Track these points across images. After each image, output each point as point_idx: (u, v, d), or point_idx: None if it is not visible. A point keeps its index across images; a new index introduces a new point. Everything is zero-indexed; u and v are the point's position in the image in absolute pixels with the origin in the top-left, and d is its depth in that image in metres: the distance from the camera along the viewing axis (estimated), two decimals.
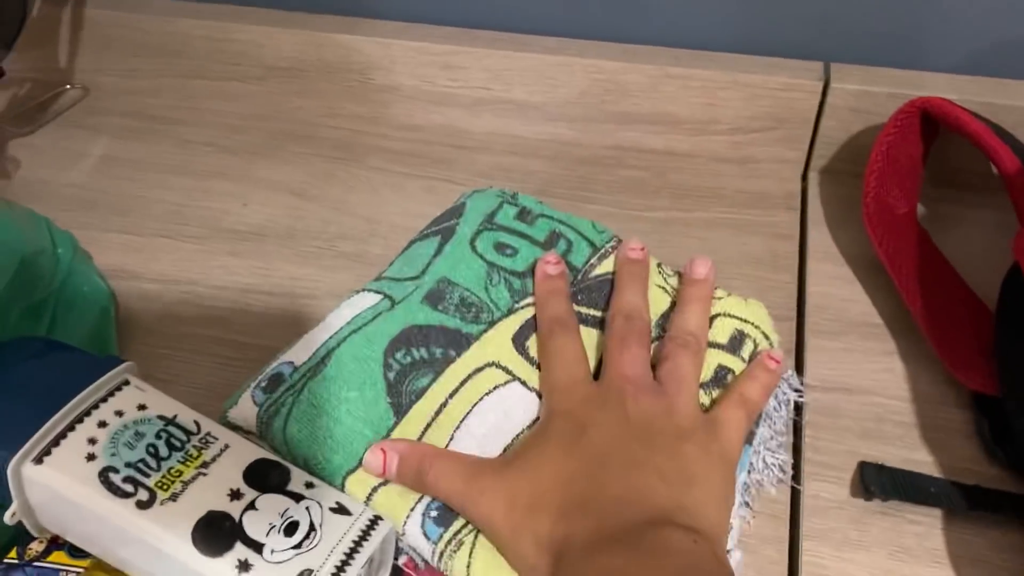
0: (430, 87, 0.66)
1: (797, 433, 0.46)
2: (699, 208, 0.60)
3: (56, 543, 0.40)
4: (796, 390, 0.45)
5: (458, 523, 0.36)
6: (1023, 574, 0.40)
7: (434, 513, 0.37)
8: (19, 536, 0.40)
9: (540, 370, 0.41)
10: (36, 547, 0.40)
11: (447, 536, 0.36)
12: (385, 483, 0.38)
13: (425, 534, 0.36)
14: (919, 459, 0.45)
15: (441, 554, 0.36)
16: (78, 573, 0.39)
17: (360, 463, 0.38)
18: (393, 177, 0.64)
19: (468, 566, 0.35)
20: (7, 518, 0.37)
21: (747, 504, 0.42)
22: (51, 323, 0.46)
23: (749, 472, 0.42)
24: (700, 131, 0.63)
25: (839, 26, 0.60)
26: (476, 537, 0.36)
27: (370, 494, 0.37)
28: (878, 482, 0.43)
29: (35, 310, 0.45)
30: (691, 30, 0.62)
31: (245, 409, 0.41)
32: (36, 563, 0.39)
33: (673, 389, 0.40)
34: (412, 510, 0.37)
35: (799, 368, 0.50)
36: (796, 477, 0.44)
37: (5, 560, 0.40)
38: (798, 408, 0.47)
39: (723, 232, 0.58)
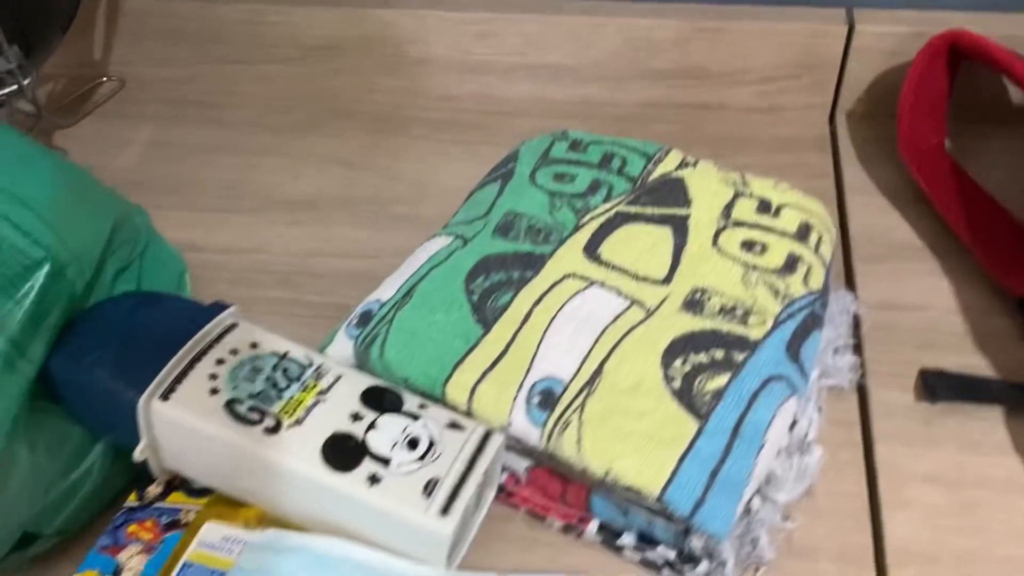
0: (465, 56, 0.68)
1: (858, 349, 0.49)
2: (735, 155, 0.62)
3: (172, 485, 0.42)
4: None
5: (562, 405, 0.38)
6: None
7: (537, 399, 0.39)
8: (138, 481, 0.42)
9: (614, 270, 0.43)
10: (154, 490, 0.42)
11: (553, 418, 0.38)
12: (482, 380, 0.40)
13: (532, 420, 0.38)
14: (975, 364, 0.48)
15: (550, 435, 0.38)
16: (197, 511, 0.40)
17: (455, 370, 0.40)
18: (436, 144, 0.66)
19: (578, 441, 0.37)
20: (136, 454, 0.38)
21: (820, 409, 0.44)
22: (138, 287, 0.48)
23: (820, 376, 0.44)
24: (730, 83, 0.65)
25: None
26: (582, 415, 0.38)
27: (470, 395, 0.39)
28: (941, 385, 0.45)
29: (123, 274, 0.47)
30: None
31: (341, 345, 0.43)
32: (156, 504, 0.41)
33: None
34: (515, 400, 0.39)
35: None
36: (862, 386, 0.47)
37: (126, 504, 0.41)
38: (856, 325, 0.49)
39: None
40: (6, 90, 0.52)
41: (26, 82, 0.51)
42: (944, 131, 0.58)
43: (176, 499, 0.41)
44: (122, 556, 0.39)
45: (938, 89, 0.56)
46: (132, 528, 0.40)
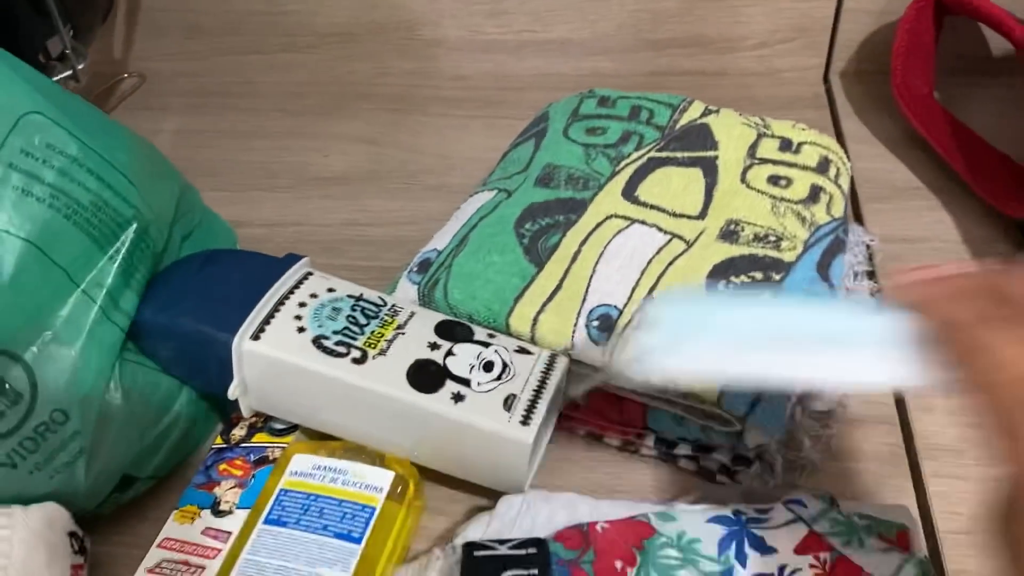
0: (475, 36, 0.71)
1: (872, 276, 0.53)
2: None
3: (255, 428, 0.45)
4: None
5: (618, 327, 0.42)
6: None
7: (596, 323, 0.42)
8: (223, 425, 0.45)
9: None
10: (238, 433, 0.45)
11: (612, 337, 0.41)
12: (543, 310, 0.43)
13: (593, 340, 0.42)
14: None
15: (611, 352, 0.41)
16: (283, 447, 0.43)
17: (516, 304, 0.43)
18: (455, 120, 0.69)
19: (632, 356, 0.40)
20: (231, 392, 0.41)
21: None
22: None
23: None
24: (729, 49, 0.69)
25: None
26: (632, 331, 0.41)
27: (533, 324, 0.43)
28: None
29: (188, 240, 0.49)
30: None
31: (405, 291, 0.46)
32: (243, 445, 0.44)
33: None
34: (575, 325, 0.42)
35: None
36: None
37: (214, 446, 0.44)
38: (869, 257, 0.53)
39: None
40: (61, 75, 0.54)
41: (80, 67, 0.53)
42: (932, 81, 0.63)
43: (261, 439, 0.44)
44: (218, 491, 0.42)
45: (926, 42, 0.61)
46: (223, 467, 0.43)
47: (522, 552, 0.38)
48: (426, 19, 0.71)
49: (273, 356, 0.40)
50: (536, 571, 0.37)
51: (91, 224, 0.39)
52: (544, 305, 0.43)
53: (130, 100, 0.75)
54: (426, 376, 0.39)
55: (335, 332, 0.41)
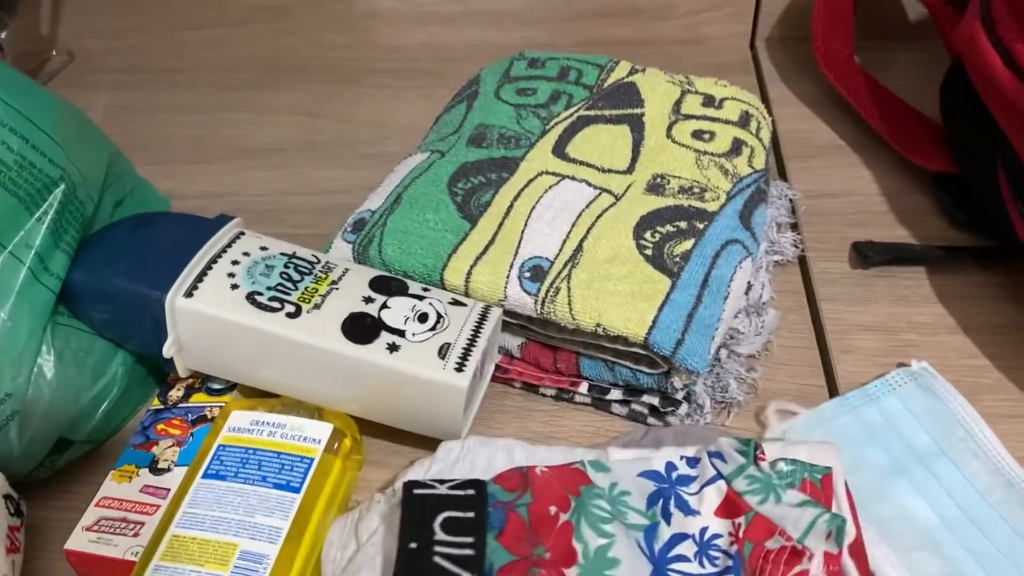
0: (410, 8, 0.72)
1: (795, 228, 0.55)
2: None
3: (193, 388, 0.45)
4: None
5: (550, 276, 0.43)
6: (990, 297, 0.50)
7: (528, 274, 0.43)
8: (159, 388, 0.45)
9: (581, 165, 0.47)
10: (175, 394, 0.45)
11: (544, 287, 0.42)
12: (476, 263, 0.44)
13: (526, 291, 0.43)
14: (900, 235, 0.54)
15: (543, 301, 0.42)
16: (221, 406, 0.44)
17: (450, 259, 0.44)
18: (391, 91, 0.70)
19: (569, 303, 0.42)
20: (165, 350, 0.41)
21: (769, 274, 0.50)
22: None
23: (767, 253, 0.50)
24: (659, 18, 0.71)
25: None
26: (570, 281, 0.42)
27: (466, 278, 0.43)
28: (872, 252, 0.52)
29: (119, 208, 0.49)
30: None
31: (340, 249, 0.47)
32: (180, 405, 0.44)
33: None
34: (508, 277, 0.43)
35: None
36: (803, 258, 0.53)
37: (151, 408, 0.44)
38: (793, 211, 0.55)
39: None
40: None
41: (2, 35, 0.53)
42: (852, 45, 0.65)
43: (199, 399, 0.44)
44: (156, 450, 0.42)
45: (844, 6, 0.63)
46: (161, 427, 0.43)
47: (461, 493, 0.38)
48: None
49: (207, 312, 0.40)
50: (473, 514, 0.37)
51: (16, 184, 0.39)
52: (477, 259, 0.44)
53: (59, 78, 0.74)
54: (361, 328, 0.40)
55: (269, 288, 0.41)
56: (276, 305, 0.40)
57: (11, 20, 0.56)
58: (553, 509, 0.38)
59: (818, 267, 0.52)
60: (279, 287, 0.41)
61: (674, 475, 0.40)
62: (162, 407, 0.44)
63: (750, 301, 0.47)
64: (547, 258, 0.44)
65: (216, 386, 0.45)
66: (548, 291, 0.43)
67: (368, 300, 0.41)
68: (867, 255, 0.51)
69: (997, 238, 0.51)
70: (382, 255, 0.45)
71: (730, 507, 0.39)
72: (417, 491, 0.38)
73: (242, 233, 0.44)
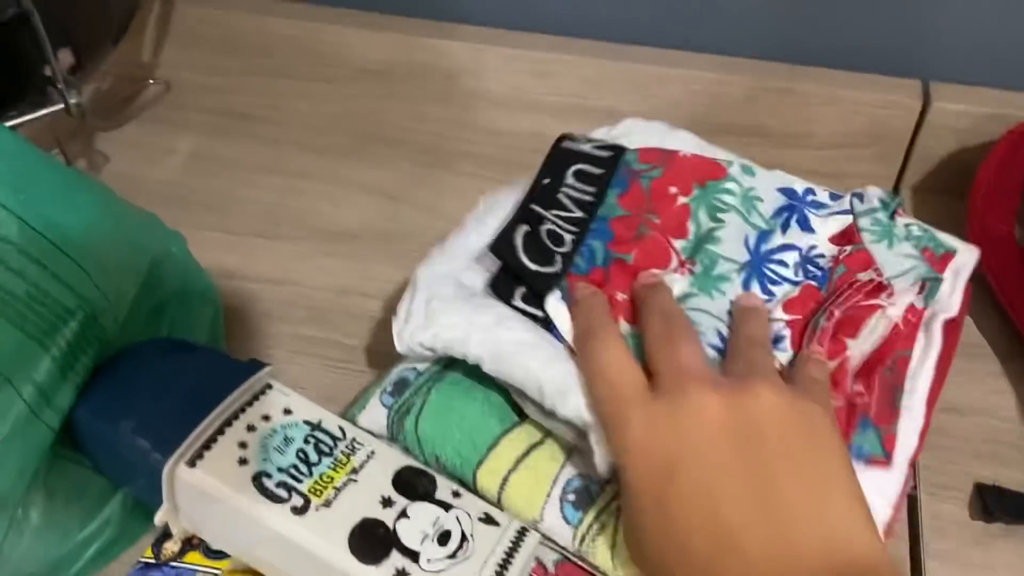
0: (519, 93, 0.66)
1: None
2: None
3: (190, 544, 0.40)
4: None
5: (598, 506, 0.37)
6: None
7: (571, 497, 0.37)
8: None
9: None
10: (171, 547, 0.40)
11: (588, 519, 0.36)
12: (516, 469, 0.38)
13: (565, 519, 0.36)
14: None
15: (583, 538, 0.36)
16: (215, 574, 0.39)
17: (488, 454, 0.38)
18: (483, 182, 0.64)
19: (612, 547, 0.35)
20: (157, 520, 0.37)
21: None
22: (171, 325, 0.46)
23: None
24: (794, 144, 0.63)
25: (939, 43, 0.60)
26: (619, 518, 0.36)
27: (502, 484, 0.37)
28: (999, 504, 0.43)
29: (158, 311, 0.45)
30: (787, 44, 0.62)
31: (374, 413, 0.41)
32: (172, 564, 0.40)
33: (749, 377, 0.35)
34: (548, 496, 0.37)
35: None
36: (912, 496, 0.45)
37: (141, 559, 0.40)
38: None
39: None
40: (52, 108, 0.50)
41: (73, 101, 0.49)
42: (1014, 220, 0.55)
43: (193, 559, 0.40)
44: None
45: (1015, 177, 0.54)
46: None
47: (600, 153, 0.45)
48: (468, 68, 0.66)
49: (208, 490, 0.36)
50: (603, 171, 0.44)
51: (24, 318, 0.35)
52: (519, 462, 0.38)
53: (152, 110, 0.71)
54: (371, 541, 0.35)
55: (280, 470, 0.36)
56: (283, 494, 0.35)
57: (85, 85, 0.52)
58: (673, 190, 0.44)
59: (929, 508, 0.44)
60: (292, 469, 0.36)
61: (809, 198, 0.45)
62: (152, 561, 0.40)
63: None
64: (597, 481, 0.37)
65: (216, 547, 0.40)
66: (592, 525, 0.36)
67: (387, 503, 0.36)
68: (990, 509, 0.43)
69: None
70: (417, 431, 0.39)
71: (845, 237, 0.43)
72: (565, 144, 0.46)
73: (270, 386, 0.39)
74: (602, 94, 0.64)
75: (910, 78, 0.60)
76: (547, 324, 0.39)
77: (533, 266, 0.40)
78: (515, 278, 0.41)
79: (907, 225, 0.44)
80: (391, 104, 0.69)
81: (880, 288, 0.41)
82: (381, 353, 0.51)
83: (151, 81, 0.72)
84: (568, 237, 0.42)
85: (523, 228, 0.41)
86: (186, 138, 0.68)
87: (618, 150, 0.46)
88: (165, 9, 0.70)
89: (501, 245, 0.41)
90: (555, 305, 0.39)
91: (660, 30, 0.64)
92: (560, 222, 0.42)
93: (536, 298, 0.40)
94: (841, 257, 0.43)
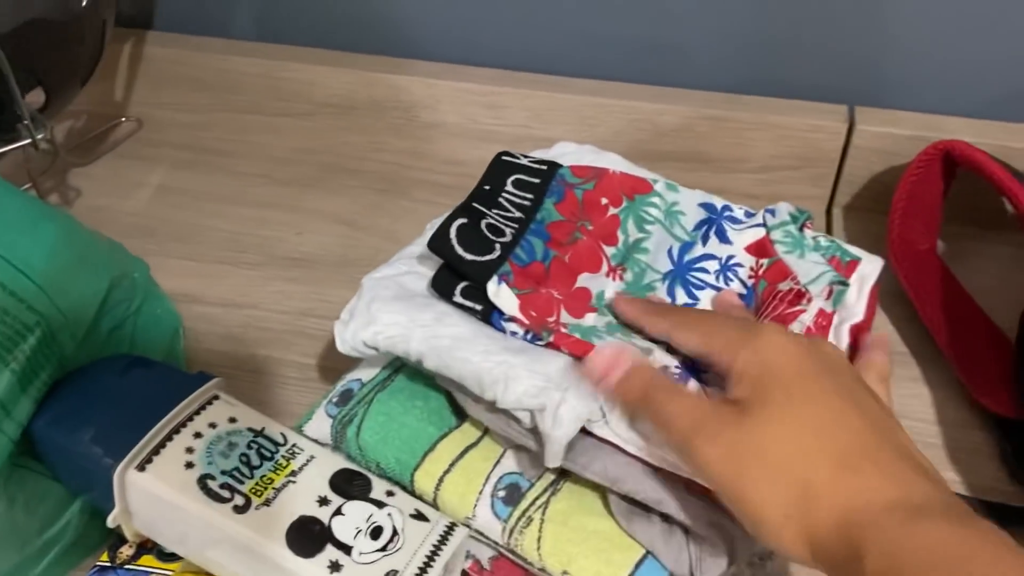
0: (473, 124, 0.69)
1: None
2: None
3: (145, 547, 0.43)
4: None
5: (526, 501, 0.39)
6: None
7: (502, 494, 0.39)
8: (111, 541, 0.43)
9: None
10: (126, 551, 0.43)
11: (516, 514, 0.39)
12: (450, 471, 0.40)
13: (496, 514, 0.39)
14: (948, 478, 0.48)
15: (511, 531, 0.39)
16: (168, 575, 0.41)
17: (425, 458, 0.41)
18: (439, 209, 0.65)
19: (539, 539, 0.38)
20: (110, 521, 0.39)
21: None
22: (131, 344, 0.49)
23: None
24: (732, 169, 0.66)
25: (863, 70, 0.64)
26: (544, 512, 0.39)
27: (437, 484, 0.40)
28: None
29: (118, 331, 0.48)
30: (722, 74, 0.66)
31: (319, 423, 0.44)
32: (127, 566, 0.42)
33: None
34: (480, 494, 0.40)
35: None
36: None
37: (98, 563, 0.42)
38: None
39: None
40: (19, 144, 0.53)
41: (39, 136, 0.52)
42: (936, 236, 0.59)
43: (147, 562, 0.42)
44: None
45: (932, 195, 0.57)
46: None
47: (536, 165, 0.49)
48: (424, 103, 0.69)
49: (155, 492, 0.38)
50: (539, 180, 0.48)
51: None
52: (453, 464, 0.41)
53: (123, 146, 0.74)
54: (306, 537, 0.37)
55: (223, 472, 0.39)
56: (226, 495, 0.38)
57: (52, 123, 0.56)
58: (604, 200, 0.48)
59: None
60: (235, 472, 0.39)
61: (727, 213, 0.49)
62: (107, 565, 0.42)
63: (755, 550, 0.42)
64: (528, 477, 0.40)
65: (168, 550, 0.42)
66: (520, 519, 0.39)
67: (323, 502, 0.38)
68: None
69: None
70: (359, 439, 0.42)
71: (760, 248, 0.47)
72: (504, 157, 0.50)
73: (216, 397, 0.42)
74: (549, 124, 0.68)
75: (837, 103, 0.64)
76: (487, 317, 0.42)
77: (469, 256, 0.43)
78: (455, 274, 0.43)
79: (815, 237, 0.48)
80: (351, 136, 0.72)
81: (800, 295, 0.44)
82: (336, 371, 0.54)
83: (124, 119, 0.76)
84: (508, 231, 0.45)
85: (460, 221, 0.44)
86: (156, 172, 0.71)
87: (553, 165, 0.49)
88: (137, 50, 0.74)
89: (436, 239, 0.43)
90: (496, 289, 0.42)
91: (601, 63, 0.67)
92: (500, 219, 0.45)
93: (477, 290, 0.42)
94: (761, 272, 0.47)
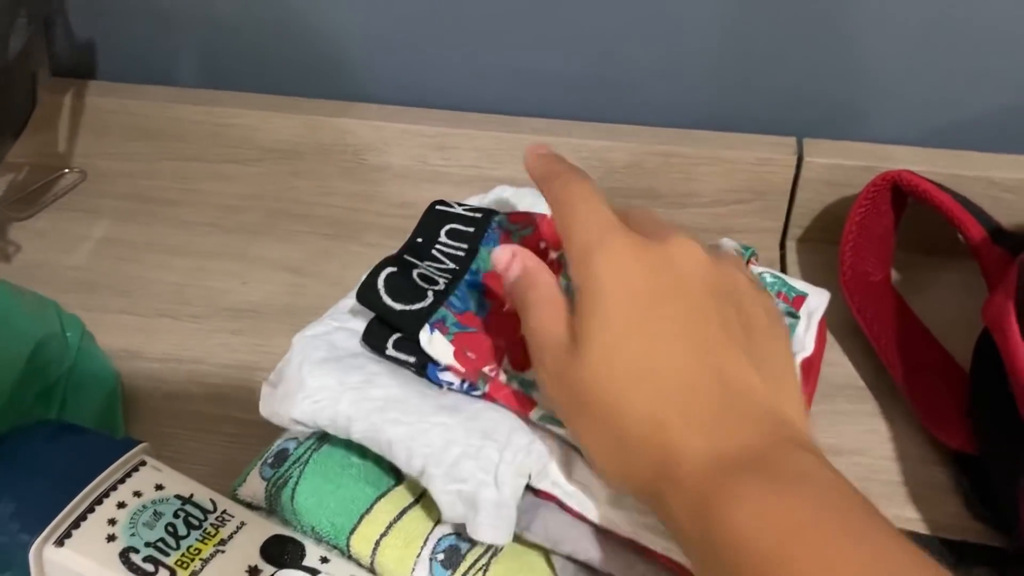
0: (422, 166, 0.68)
1: None
2: None
3: None
4: None
5: (466, 564, 0.37)
6: None
7: (441, 556, 0.38)
8: None
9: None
10: None
11: None
12: (387, 533, 0.39)
13: None
14: (907, 516, 0.47)
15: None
16: None
17: (361, 521, 0.39)
18: (388, 251, 0.65)
19: None
20: None
21: None
22: (61, 406, 0.47)
23: None
24: (683, 204, 0.65)
25: (811, 103, 0.63)
26: (486, 573, 0.37)
27: (374, 548, 0.38)
28: None
29: (46, 393, 0.46)
30: (670, 110, 0.65)
31: (254, 485, 0.42)
32: None
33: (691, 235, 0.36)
34: (418, 557, 0.38)
35: None
36: None
37: None
38: None
39: None
40: None
41: None
42: (889, 266, 0.58)
43: None
44: None
45: (883, 226, 0.57)
46: None
47: (471, 214, 0.48)
48: (372, 146, 0.68)
49: (75, 568, 0.36)
50: (473, 229, 0.47)
51: None
52: (391, 525, 0.39)
53: (66, 199, 0.72)
54: None
55: (148, 544, 0.37)
56: (149, 568, 0.36)
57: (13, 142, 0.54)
58: (543, 244, 0.46)
59: None
60: (160, 543, 0.37)
61: None
62: None
63: None
64: (468, 537, 0.38)
65: None
66: None
67: (254, 572, 0.37)
68: None
69: (1015, 543, 0.44)
70: (293, 503, 0.40)
71: None
72: (438, 207, 0.49)
73: (144, 463, 0.40)
74: (499, 164, 0.67)
75: (786, 136, 0.63)
76: (423, 369, 0.41)
77: (399, 305, 0.41)
78: (386, 326, 0.42)
79: (760, 273, 0.47)
80: (299, 181, 0.71)
81: None
82: (280, 427, 0.52)
83: (67, 170, 0.74)
84: (442, 281, 0.44)
85: (388, 270, 0.43)
86: (99, 225, 0.69)
87: (489, 212, 0.48)
88: (78, 100, 0.72)
89: (364, 290, 0.42)
90: (428, 338, 0.40)
91: (549, 102, 0.67)
92: (433, 271, 0.44)
93: (410, 342, 0.41)
94: None
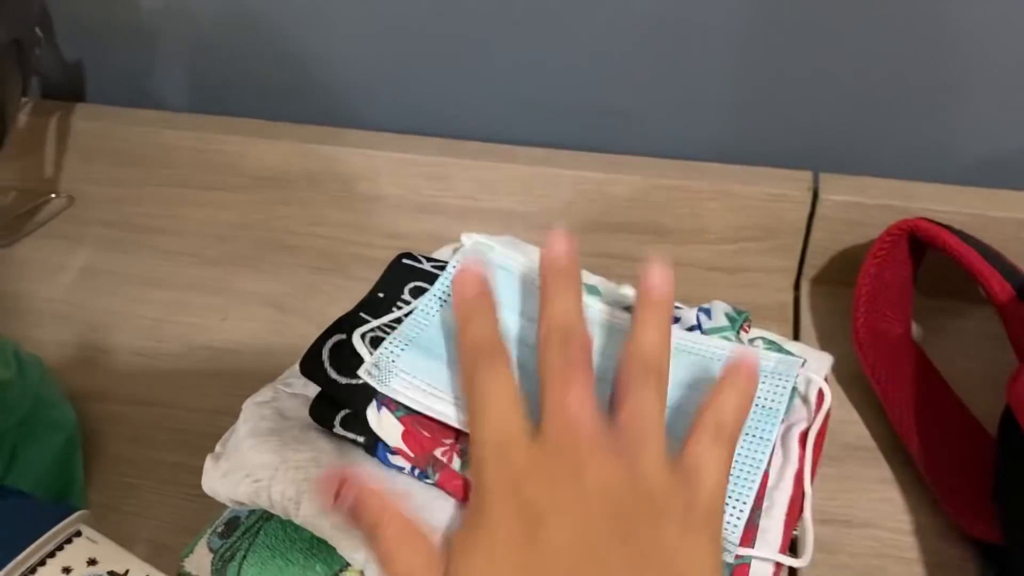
0: (415, 196, 0.65)
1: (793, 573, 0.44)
2: None
3: None
4: None
5: None
6: None
7: None
8: None
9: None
10: None
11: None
12: None
13: None
14: None
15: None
16: None
17: None
18: None
19: None
20: None
21: None
22: (12, 455, 0.44)
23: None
24: (690, 240, 0.61)
25: (827, 134, 0.59)
26: None
27: None
28: None
29: None
30: (677, 141, 0.61)
31: (201, 557, 0.39)
32: None
33: (635, 441, 0.33)
34: None
35: None
36: None
37: None
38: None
39: None
40: None
41: None
42: (909, 318, 0.54)
43: None
44: None
45: (901, 276, 0.52)
46: None
47: (438, 272, 0.44)
48: (363, 174, 0.65)
49: None
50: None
51: None
52: None
53: (50, 225, 0.70)
54: None
55: None
56: None
57: None
58: None
59: None
60: None
61: None
62: None
63: None
64: None
65: None
66: None
67: None
68: None
69: None
70: None
71: None
72: (404, 260, 0.46)
73: (79, 533, 0.37)
74: (495, 195, 0.63)
75: (800, 169, 0.59)
76: (372, 450, 0.37)
77: (343, 379, 0.38)
78: (333, 402, 0.39)
79: (752, 340, 0.43)
80: (288, 210, 0.68)
81: None
82: None
83: (53, 195, 0.72)
84: None
85: (335, 339, 0.39)
86: (80, 253, 0.67)
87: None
88: (65, 123, 0.70)
89: (308, 362, 0.39)
90: (376, 417, 0.37)
91: (549, 131, 0.63)
92: (387, 331, 0.40)
93: (357, 419, 0.38)
94: None
